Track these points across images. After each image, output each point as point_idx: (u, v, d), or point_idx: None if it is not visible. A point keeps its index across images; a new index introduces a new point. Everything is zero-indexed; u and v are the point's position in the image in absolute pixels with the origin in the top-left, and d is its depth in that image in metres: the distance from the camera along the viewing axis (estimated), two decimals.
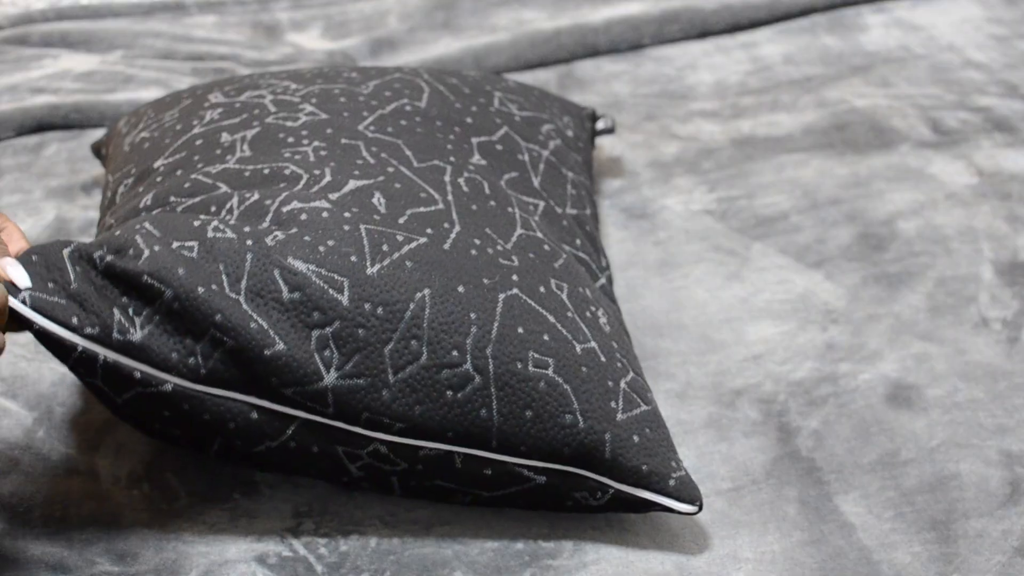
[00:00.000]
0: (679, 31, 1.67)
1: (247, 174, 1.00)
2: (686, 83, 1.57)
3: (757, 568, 0.94)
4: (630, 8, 1.70)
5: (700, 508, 0.94)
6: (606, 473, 0.94)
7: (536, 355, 0.94)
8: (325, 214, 0.95)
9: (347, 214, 0.96)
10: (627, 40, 1.65)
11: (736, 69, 1.59)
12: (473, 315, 0.93)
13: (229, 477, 1.02)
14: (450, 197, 1.01)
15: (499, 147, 1.10)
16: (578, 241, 1.08)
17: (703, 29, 1.68)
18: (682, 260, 1.25)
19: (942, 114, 1.48)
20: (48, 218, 1.32)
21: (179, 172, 1.02)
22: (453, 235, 0.97)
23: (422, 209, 0.98)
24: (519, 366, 0.93)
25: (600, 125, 1.34)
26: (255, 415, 0.93)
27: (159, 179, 1.03)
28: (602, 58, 1.63)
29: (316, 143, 1.03)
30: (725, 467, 1.03)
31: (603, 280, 1.08)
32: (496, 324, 0.93)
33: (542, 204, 1.08)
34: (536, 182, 1.10)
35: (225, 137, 1.05)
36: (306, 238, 0.93)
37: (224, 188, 0.99)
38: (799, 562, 0.94)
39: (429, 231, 0.97)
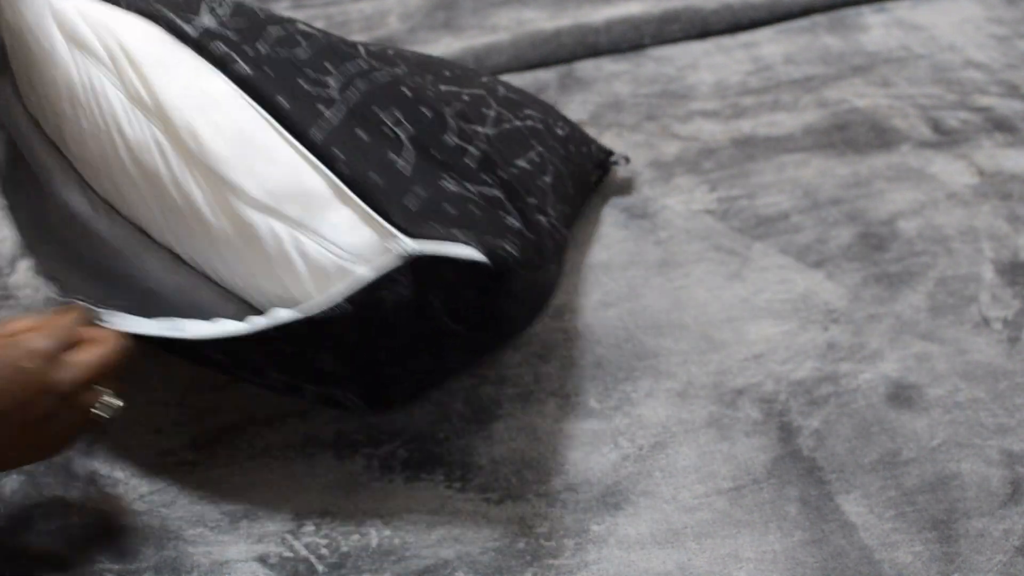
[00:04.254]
0: (680, 31, 1.67)
1: None
2: (687, 83, 1.57)
3: (758, 567, 0.94)
4: (631, 8, 1.70)
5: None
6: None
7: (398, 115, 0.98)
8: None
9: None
10: (628, 40, 1.65)
11: (737, 69, 1.59)
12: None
13: (230, 478, 1.02)
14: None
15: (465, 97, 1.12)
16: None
17: (704, 29, 1.68)
18: (683, 260, 1.25)
19: (943, 114, 1.48)
20: None
21: None
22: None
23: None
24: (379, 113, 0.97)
25: (615, 158, 1.35)
26: None
27: None
28: (603, 58, 1.63)
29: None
30: (726, 466, 1.03)
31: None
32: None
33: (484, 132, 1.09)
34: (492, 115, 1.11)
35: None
36: None
37: None
38: (800, 561, 0.94)
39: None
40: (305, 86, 0.98)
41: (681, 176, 1.38)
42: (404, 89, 1.02)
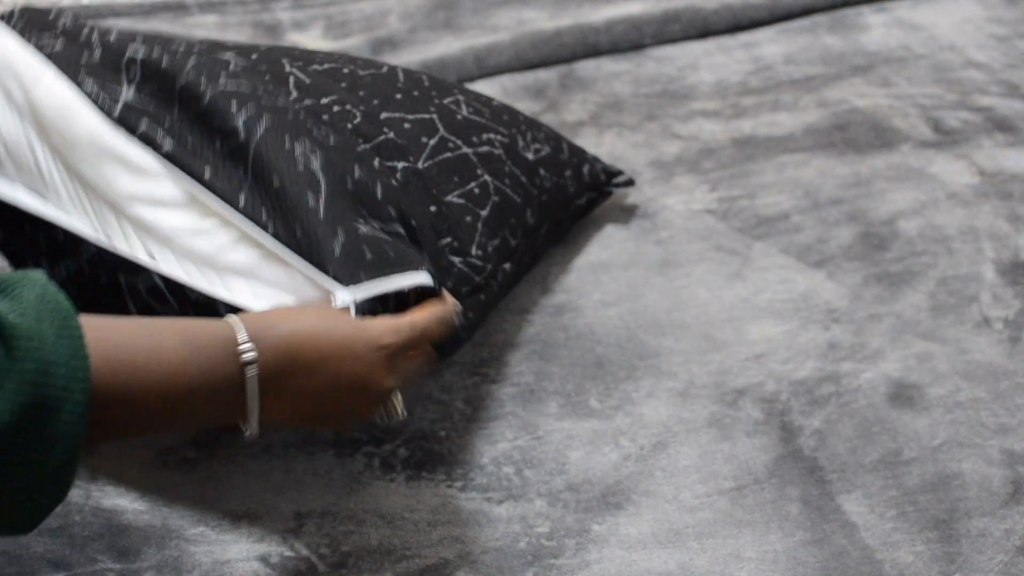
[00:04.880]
0: (680, 31, 1.67)
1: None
2: (687, 83, 1.57)
3: (759, 567, 0.94)
4: (631, 8, 1.70)
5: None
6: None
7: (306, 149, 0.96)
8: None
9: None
10: (628, 40, 1.65)
11: (737, 69, 1.59)
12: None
13: (232, 477, 1.02)
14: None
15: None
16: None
17: (704, 29, 1.68)
18: (684, 259, 1.25)
19: (943, 114, 1.48)
20: None
21: None
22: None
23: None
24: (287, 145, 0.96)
25: (618, 180, 1.31)
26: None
27: None
28: (603, 58, 1.63)
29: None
30: (727, 466, 1.03)
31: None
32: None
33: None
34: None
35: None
36: None
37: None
38: (801, 561, 0.94)
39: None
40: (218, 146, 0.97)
41: (681, 176, 1.38)
42: (310, 124, 1.00)
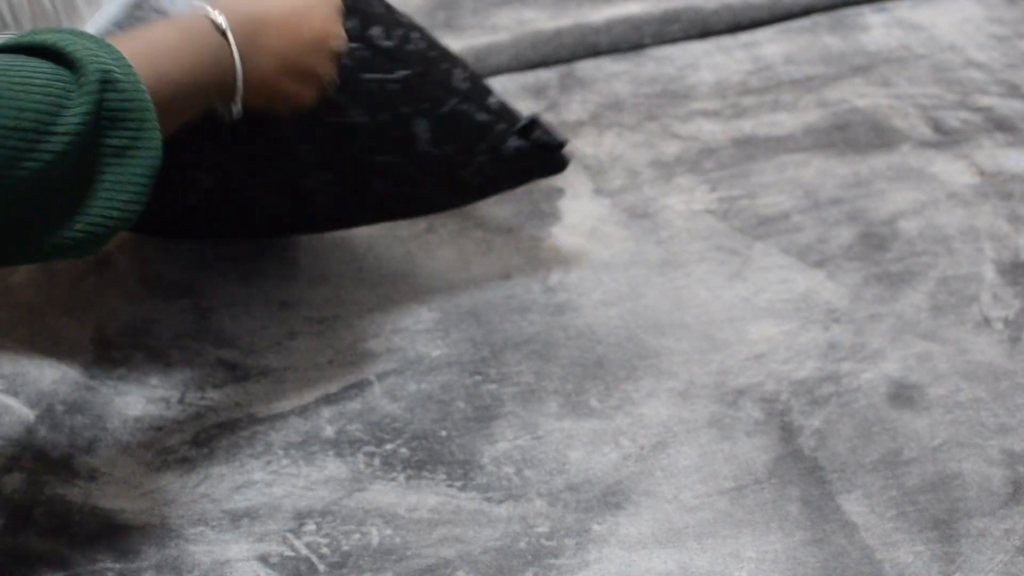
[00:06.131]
0: (680, 31, 1.67)
1: None
2: (687, 83, 1.57)
3: (759, 567, 0.94)
4: (631, 8, 1.70)
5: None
6: None
7: None
8: None
9: None
10: (628, 40, 1.65)
11: (737, 69, 1.59)
12: None
13: (231, 477, 1.02)
14: None
15: None
16: None
17: (704, 29, 1.68)
18: (684, 259, 1.25)
19: (943, 114, 1.48)
20: None
21: None
22: None
23: None
24: None
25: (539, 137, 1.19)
26: None
27: None
28: (603, 58, 1.63)
29: None
30: (727, 466, 1.02)
31: None
32: None
33: None
34: None
35: None
36: None
37: None
38: (801, 561, 0.94)
39: None
40: None
41: (682, 176, 1.38)
42: None
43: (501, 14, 1.73)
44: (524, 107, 1.51)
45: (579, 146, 1.44)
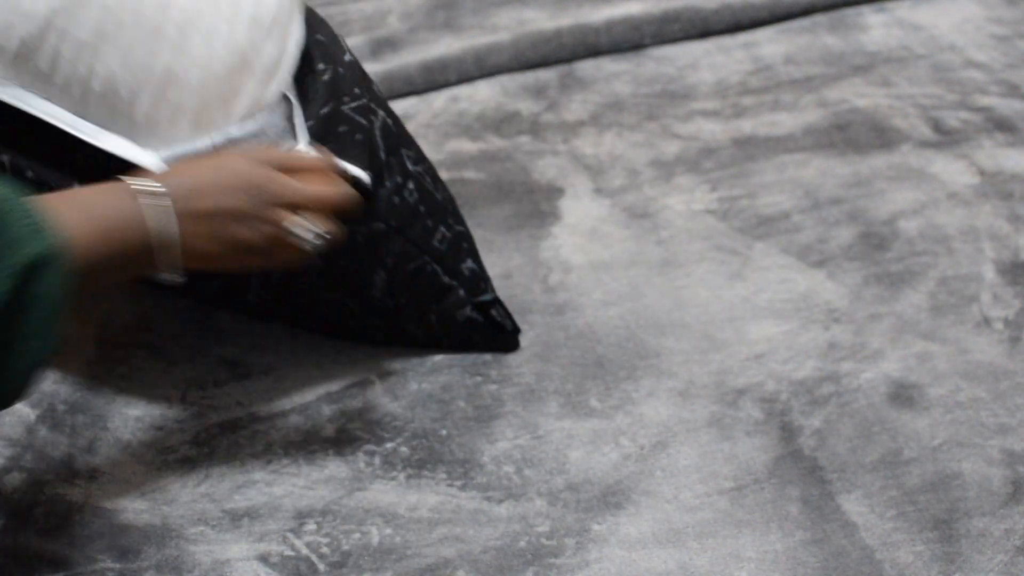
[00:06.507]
0: (680, 31, 1.67)
1: None
2: (687, 83, 1.57)
3: (759, 567, 0.94)
4: (631, 8, 1.70)
5: None
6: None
7: None
8: None
9: None
10: (628, 40, 1.65)
11: (737, 69, 1.59)
12: None
13: (232, 476, 1.02)
14: None
15: None
16: None
17: (704, 29, 1.68)
18: (684, 259, 1.25)
19: (943, 114, 1.48)
20: None
21: None
22: None
23: None
24: None
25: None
26: None
27: None
28: (603, 58, 1.63)
29: None
30: (727, 466, 1.03)
31: None
32: None
33: None
34: None
35: None
36: None
37: None
38: (801, 561, 0.94)
39: None
40: None
41: (682, 176, 1.38)
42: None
43: (501, 14, 1.73)
44: (524, 107, 1.52)
45: (579, 146, 1.44)
